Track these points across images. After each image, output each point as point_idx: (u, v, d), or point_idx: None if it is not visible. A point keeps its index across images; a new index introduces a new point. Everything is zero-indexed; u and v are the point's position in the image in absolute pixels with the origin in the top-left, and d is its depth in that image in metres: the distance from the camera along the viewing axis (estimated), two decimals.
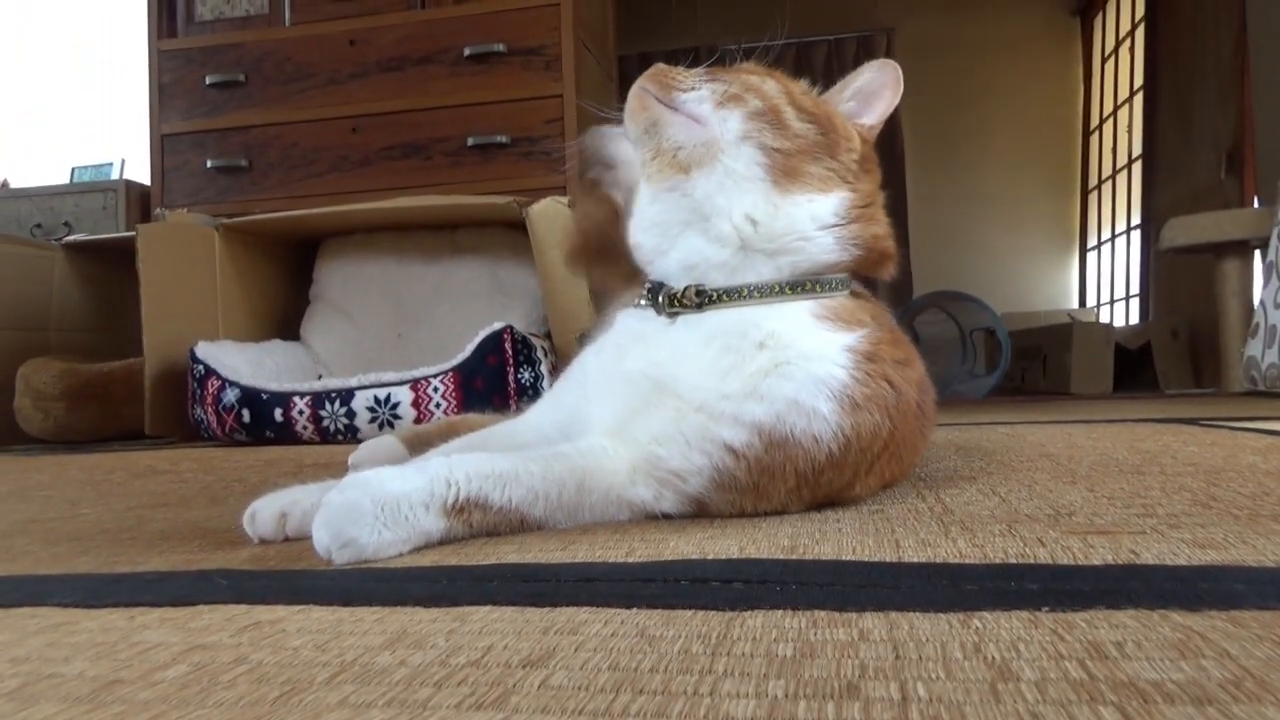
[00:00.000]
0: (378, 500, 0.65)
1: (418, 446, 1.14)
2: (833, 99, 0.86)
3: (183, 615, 0.54)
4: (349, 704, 0.38)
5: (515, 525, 0.73)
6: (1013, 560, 0.60)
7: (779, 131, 0.78)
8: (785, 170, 0.77)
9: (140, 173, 3.49)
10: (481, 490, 0.70)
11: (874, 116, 0.87)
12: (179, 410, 2.23)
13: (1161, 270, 4.42)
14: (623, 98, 0.87)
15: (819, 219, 0.78)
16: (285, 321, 2.63)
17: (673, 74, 0.83)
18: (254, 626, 0.51)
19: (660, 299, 0.80)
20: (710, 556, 0.64)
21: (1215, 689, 0.37)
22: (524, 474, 0.72)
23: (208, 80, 2.94)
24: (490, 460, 0.72)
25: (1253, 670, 0.39)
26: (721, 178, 0.77)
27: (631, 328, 0.84)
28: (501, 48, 2.72)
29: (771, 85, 0.82)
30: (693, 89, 0.80)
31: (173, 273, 2.33)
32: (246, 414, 2.04)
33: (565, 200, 2.18)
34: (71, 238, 2.97)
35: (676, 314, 0.80)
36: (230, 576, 0.64)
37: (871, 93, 0.86)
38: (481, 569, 0.63)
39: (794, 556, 0.63)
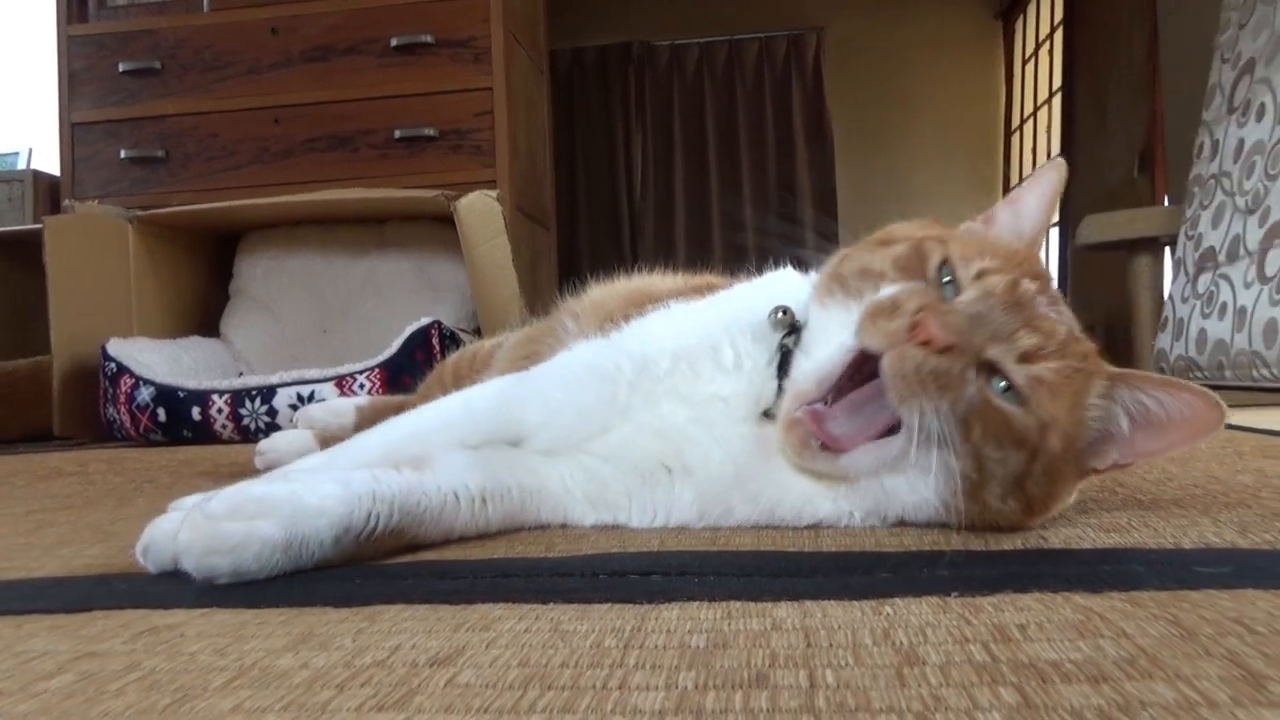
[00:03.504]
0: (268, 541, 0.57)
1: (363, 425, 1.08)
2: (1121, 403, 0.65)
3: (75, 622, 0.51)
4: (244, 709, 0.37)
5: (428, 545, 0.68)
6: (927, 548, 0.61)
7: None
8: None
9: (49, 163, 3.34)
10: (401, 525, 0.63)
11: (1147, 451, 0.67)
12: (90, 410, 2.14)
13: (1078, 266, 4.57)
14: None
15: None
16: (204, 317, 2.54)
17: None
18: (150, 632, 0.48)
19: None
20: (631, 550, 0.64)
21: (1110, 667, 0.38)
22: (464, 507, 0.67)
23: (121, 67, 2.82)
24: (420, 486, 0.65)
25: (1146, 648, 0.40)
26: None
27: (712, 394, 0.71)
28: (429, 39, 2.67)
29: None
30: None
31: (83, 267, 2.23)
32: (162, 413, 1.96)
33: (494, 194, 2.16)
34: None
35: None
36: (131, 580, 0.61)
37: (1163, 425, 0.64)
38: (396, 567, 0.61)
39: (714, 548, 0.63)
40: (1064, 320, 0.64)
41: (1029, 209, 0.73)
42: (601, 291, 1.03)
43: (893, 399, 0.60)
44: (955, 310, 0.61)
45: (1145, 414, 0.64)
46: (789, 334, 0.71)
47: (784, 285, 0.78)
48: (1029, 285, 0.64)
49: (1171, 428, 0.64)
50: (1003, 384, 0.61)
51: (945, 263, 0.65)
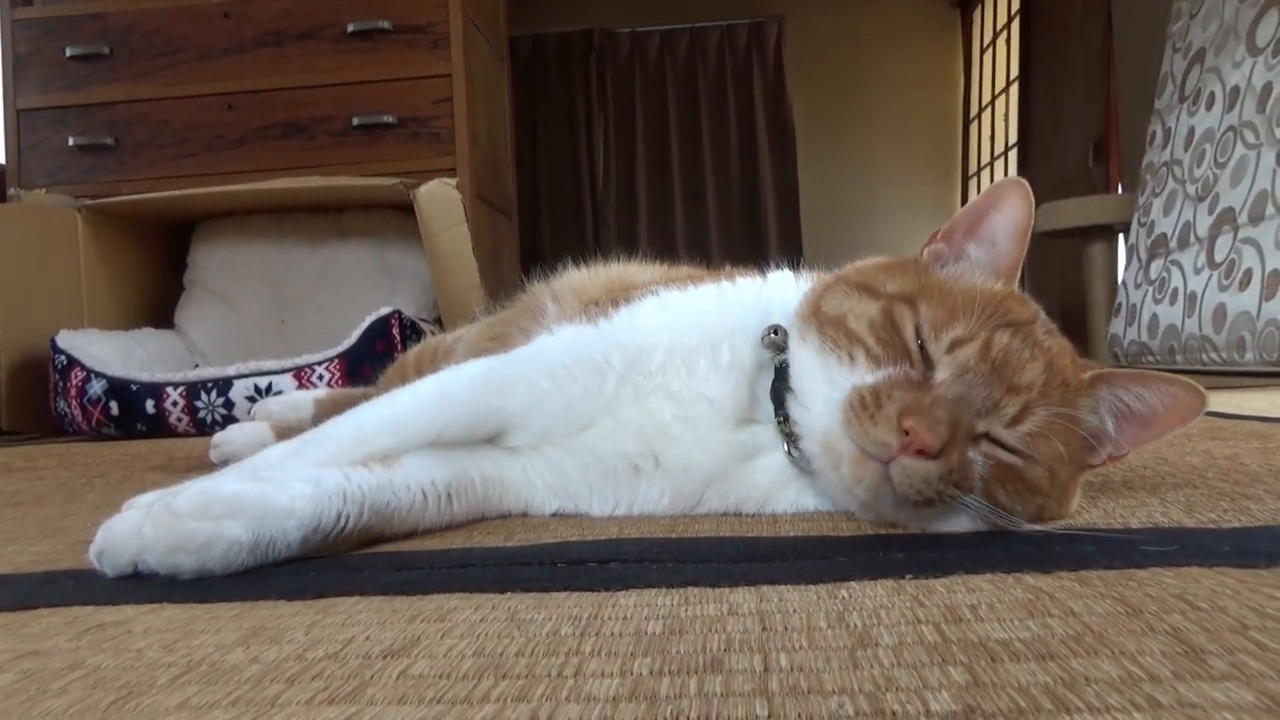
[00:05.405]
0: (235, 541, 0.56)
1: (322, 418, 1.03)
2: (1099, 396, 0.65)
3: (18, 620, 0.50)
4: (190, 706, 0.36)
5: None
6: (883, 532, 0.62)
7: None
8: None
9: None
10: (369, 523, 0.63)
11: (1136, 442, 0.67)
12: (40, 404, 2.08)
13: (1033, 253, 4.64)
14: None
15: None
16: (157, 309, 2.49)
17: None
18: (97, 629, 0.47)
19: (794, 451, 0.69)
20: (590, 538, 0.64)
21: (1058, 645, 0.38)
22: (431, 505, 0.68)
23: (68, 52, 2.75)
24: (390, 485, 0.65)
25: (1093, 626, 0.40)
26: None
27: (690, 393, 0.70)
28: (387, 24, 2.63)
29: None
30: None
31: (30, 258, 2.17)
32: (115, 406, 1.92)
33: (453, 182, 2.13)
34: None
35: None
36: (78, 577, 0.60)
37: (1146, 418, 0.65)
38: (353, 558, 0.61)
39: (673, 535, 0.64)
40: (1040, 353, 0.63)
41: (1001, 246, 0.69)
42: (582, 276, 1.01)
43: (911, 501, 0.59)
44: (938, 401, 0.59)
45: (1127, 410, 0.65)
46: (784, 351, 0.70)
47: (782, 290, 0.76)
48: (1002, 339, 0.62)
49: (1155, 420, 0.64)
50: (1000, 447, 0.60)
51: (918, 331, 0.64)
